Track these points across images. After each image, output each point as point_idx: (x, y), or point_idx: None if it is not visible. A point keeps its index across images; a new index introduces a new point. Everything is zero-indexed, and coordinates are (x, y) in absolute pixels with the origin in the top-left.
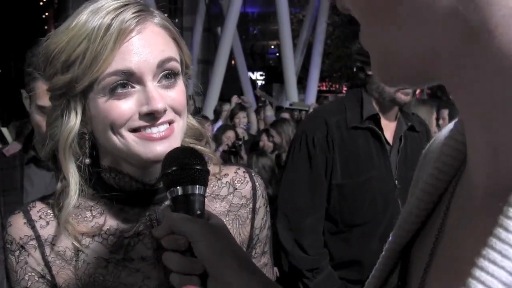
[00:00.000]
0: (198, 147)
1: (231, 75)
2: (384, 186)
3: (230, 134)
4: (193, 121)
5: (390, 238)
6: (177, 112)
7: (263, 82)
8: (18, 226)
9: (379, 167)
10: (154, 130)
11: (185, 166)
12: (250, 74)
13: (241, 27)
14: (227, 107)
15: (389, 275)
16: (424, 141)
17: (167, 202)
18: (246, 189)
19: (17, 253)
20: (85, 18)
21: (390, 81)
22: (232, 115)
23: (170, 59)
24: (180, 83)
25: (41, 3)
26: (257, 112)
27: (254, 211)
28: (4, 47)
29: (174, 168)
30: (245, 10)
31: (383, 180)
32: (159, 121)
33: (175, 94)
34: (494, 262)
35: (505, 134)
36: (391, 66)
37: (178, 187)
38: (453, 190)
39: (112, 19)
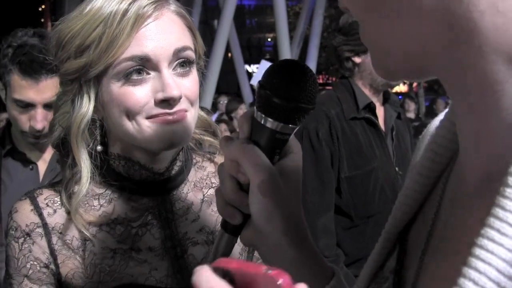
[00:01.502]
0: (206, 138)
1: (228, 67)
2: (388, 174)
3: (222, 127)
4: (201, 112)
5: (388, 221)
6: (190, 101)
7: None
8: (24, 213)
9: (380, 155)
10: (168, 116)
11: (301, 108)
12: (247, 66)
13: (237, 19)
14: (223, 99)
15: (387, 258)
16: (406, 126)
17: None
18: None
19: (21, 240)
20: (101, 3)
21: (388, 75)
22: (229, 109)
23: (186, 48)
24: (194, 72)
25: None
26: (252, 104)
27: None
28: (0, 39)
29: (291, 105)
30: (241, 2)
31: (386, 168)
32: (174, 109)
33: (189, 83)
34: (493, 240)
35: (487, 122)
36: (388, 61)
37: (277, 122)
38: (448, 174)
39: (129, 4)
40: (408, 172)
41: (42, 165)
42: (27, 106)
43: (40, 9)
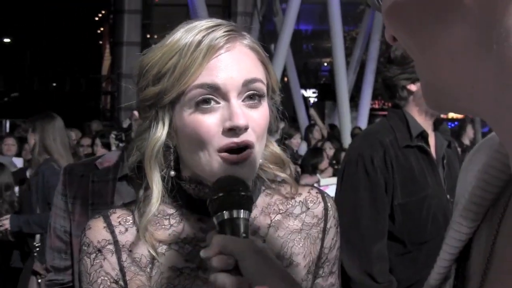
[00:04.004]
0: (278, 173)
1: (284, 92)
2: (440, 201)
3: None
4: (276, 149)
5: (443, 247)
6: (257, 135)
7: (316, 100)
8: (97, 230)
9: (432, 183)
10: (234, 156)
11: (231, 192)
12: (303, 91)
13: (294, 44)
14: (281, 125)
15: (442, 284)
16: (456, 155)
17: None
18: (318, 209)
19: (93, 255)
20: (179, 36)
21: (436, 107)
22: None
23: (255, 80)
24: (264, 105)
25: (96, 19)
26: (309, 130)
27: (324, 231)
28: (60, 61)
29: (220, 194)
30: (298, 27)
31: (438, 195)
32: (240, 139)
33: (258, 116)
34: None
35: None
36: (437, 95)
37: (224, 212)
38: (506, 202)
39: (203, 36)
40: (456, 200)
41: None
42: None
43: (99, 31)
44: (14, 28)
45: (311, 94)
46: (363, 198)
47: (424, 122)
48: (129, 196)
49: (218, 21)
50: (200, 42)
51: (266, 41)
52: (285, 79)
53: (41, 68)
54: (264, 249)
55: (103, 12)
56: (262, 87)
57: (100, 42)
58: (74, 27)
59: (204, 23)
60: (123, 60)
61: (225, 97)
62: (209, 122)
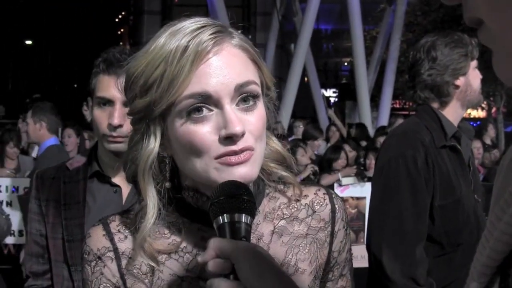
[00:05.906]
0: (280, 172)
1: (304, 92)
2: (471, 202)
3: (300, 153)
4: (277, 146)
5: (484, 252)
6: (255, 137)
7: (336, 99)
8: (97, 238)
9: (464, 183)
10: (233, 158)
11: (233, 196)
12: (323, 91)
13: (314, 44)
14: (299, 124)
15: None
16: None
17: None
18: (325, 212)
19: (93, 263)
20: (163, 41)
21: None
22: (306, 136)
23: (248, 83)
24: (259, 106)
25: (116, 20)
26: (327, 131)
27: (332, 234)
28: (81, 63)
29: (221, 198)
30: (318, 27)
31: (469, 196)
32: (239, 146)
33: (254, 119)
34: None
35: None
36: None
37: (224, 215)
38: None
39: (189, 41)
40: (495, 199)
41: (126, 189)
42: (107, 103)
43: (119, 32)
44: (36, 30)
45: (331, 93)
46: (406, 200)
47: (457, 119)
48: (100, 193)
49: (203, 21)
50: (186, 48)
51: (286, 41)
52: (305, 79)
53: (62, 69)
54: (264, 253)
55: (123, 13)
56: (255, 88)
57: (121, 43)
58: (95, 29)
59: (188, 25)
60: None
61: (217, 104)
62: (203, 132)
